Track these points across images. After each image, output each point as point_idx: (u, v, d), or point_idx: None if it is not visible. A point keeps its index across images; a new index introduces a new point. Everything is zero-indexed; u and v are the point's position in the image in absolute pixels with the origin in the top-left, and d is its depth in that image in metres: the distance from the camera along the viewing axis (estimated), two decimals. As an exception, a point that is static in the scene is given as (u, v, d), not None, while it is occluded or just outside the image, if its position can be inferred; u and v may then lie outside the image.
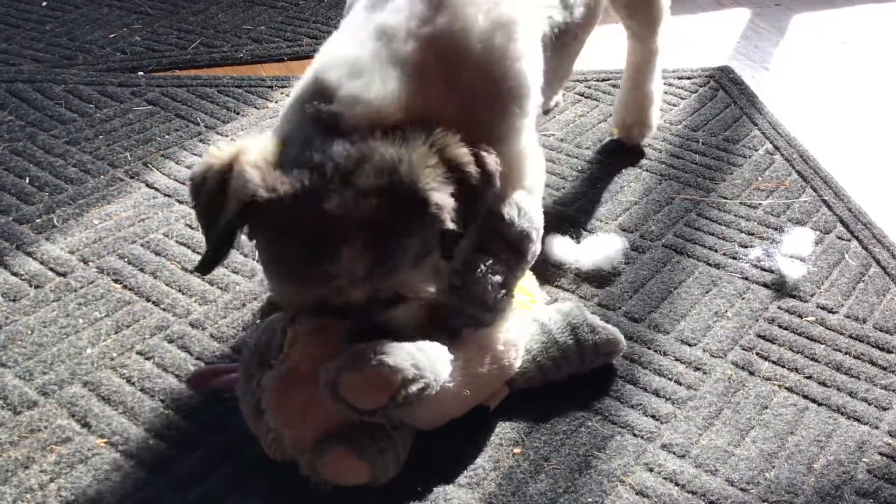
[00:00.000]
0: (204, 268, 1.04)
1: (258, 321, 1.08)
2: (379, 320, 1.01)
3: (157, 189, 1.56)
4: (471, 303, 1.07)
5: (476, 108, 1.06)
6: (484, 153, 1.01)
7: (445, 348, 1.03)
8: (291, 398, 0.99)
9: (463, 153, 0.99)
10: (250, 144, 0.99)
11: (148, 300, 1.31)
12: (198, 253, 1.40)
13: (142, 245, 1.42)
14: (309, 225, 0.94)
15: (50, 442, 1.08)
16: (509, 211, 1.11)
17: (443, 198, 0.96)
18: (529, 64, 1.13)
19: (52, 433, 1.09)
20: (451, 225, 0.97)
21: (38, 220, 1.46)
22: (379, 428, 1.01)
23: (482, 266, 1.08)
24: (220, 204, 0.97)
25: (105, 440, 1.09)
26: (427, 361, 0.98)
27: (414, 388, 0.96)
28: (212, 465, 1.06)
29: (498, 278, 1.08)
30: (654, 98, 1.74)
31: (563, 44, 1.29)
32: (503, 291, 1.10)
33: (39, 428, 1.10)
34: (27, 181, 1.55)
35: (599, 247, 1.44)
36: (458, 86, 1.04)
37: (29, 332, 1.24)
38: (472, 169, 0.99)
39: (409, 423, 1.05)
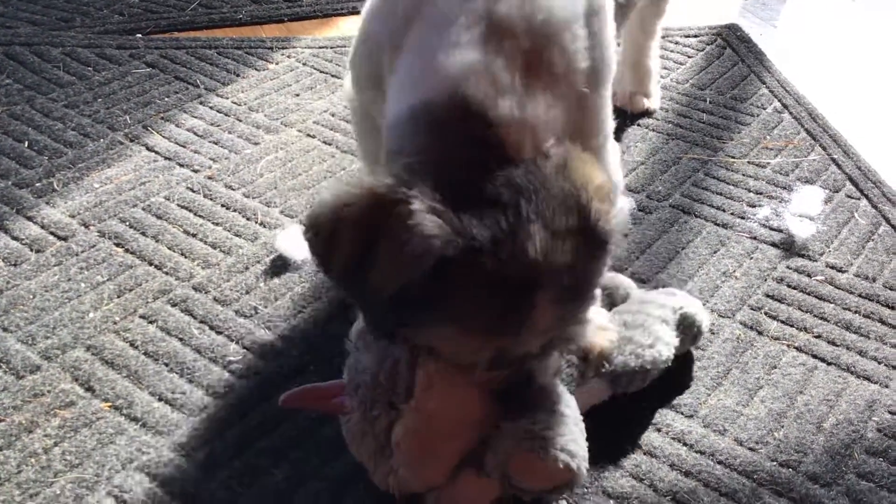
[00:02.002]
0: (386, 336, 0.90)
1: (353, 344, 0.97)
2: (528, 367, 0.91)
3: (157, 152, 1.54)
4: None
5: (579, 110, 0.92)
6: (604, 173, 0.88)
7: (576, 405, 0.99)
8: (432, 452, 0.93)
9: (606, 183, 0.85)
10: (391, 184, 0.79)
11: (150, 264, 1.29)
12: (200, 216, 1.38)
13: (143, 209, 1.40)
14: (505, 272, 0.79)
15: (53, 406, 1.07)
16: None
17: (618, 236, 0.86)
18: (613, 48, 1.00)
19: (56, 397, 1.08)
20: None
21: (37, 184, 1.44)
22: None
23: None
24: (363, 261, 0.80)
25: (109, 404, 1.08)
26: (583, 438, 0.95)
27: (580, 481, 0.93)
28: (217, 428, 1.06)
29: None
30: (654, 69, 1.73)
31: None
32: None
33: (43, 392, 1.09)
34: (26, 145, 1.53)
35: (606, 207, 1.42)
36: (570, 84, 0.90)
37: (30, 296, 1.22)
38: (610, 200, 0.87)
39: None
